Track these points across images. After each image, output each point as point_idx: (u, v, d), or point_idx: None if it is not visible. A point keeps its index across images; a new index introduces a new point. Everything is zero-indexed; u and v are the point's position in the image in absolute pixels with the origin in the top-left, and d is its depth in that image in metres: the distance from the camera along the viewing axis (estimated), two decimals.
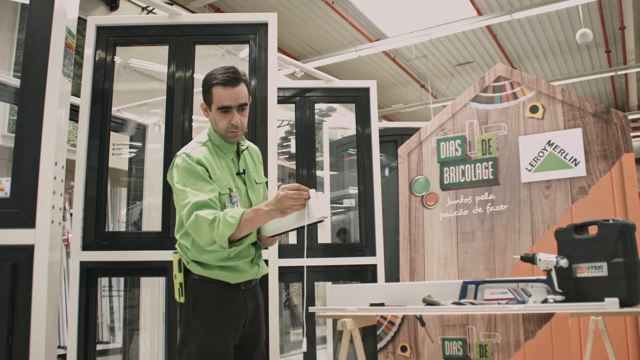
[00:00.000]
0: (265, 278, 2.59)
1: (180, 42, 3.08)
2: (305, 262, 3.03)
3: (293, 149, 4.19)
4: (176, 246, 2.05)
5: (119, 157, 4.67)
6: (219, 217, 1.83)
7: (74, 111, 2.87)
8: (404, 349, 3.09)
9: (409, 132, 4.62)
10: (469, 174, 3.13)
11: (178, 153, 2.02)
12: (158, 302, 4.24)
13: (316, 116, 4.22)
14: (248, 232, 1.88)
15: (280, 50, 7.92)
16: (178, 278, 2.00)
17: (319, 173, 4.75)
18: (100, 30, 3.06)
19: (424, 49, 10.28)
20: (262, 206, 1.87)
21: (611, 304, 1.98)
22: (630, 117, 12.53)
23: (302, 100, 4.07)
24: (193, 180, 1.92)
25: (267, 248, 2.19)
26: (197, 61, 3.07)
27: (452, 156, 3.19)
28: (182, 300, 1.99)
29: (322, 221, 1.90)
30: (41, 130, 2.28)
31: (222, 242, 1.83)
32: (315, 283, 4.11)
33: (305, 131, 4.03)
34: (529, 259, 2.25)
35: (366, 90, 4.10)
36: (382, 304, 2.48)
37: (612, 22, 9.32)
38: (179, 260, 2.00)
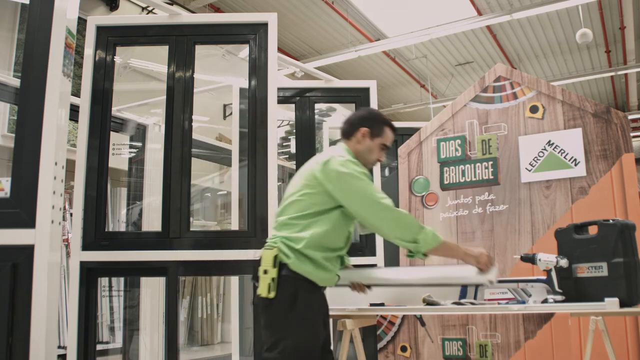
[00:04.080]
0: None
1: (180, 42, 3.08)
2: None
3: (293, 149, 4.18)
4: (272, 242, 2.08)
5: (119, 157, 4.67)
6: (426, 227, 2.04)
7: (74, 111, 2.86)
8: (404, 349, 3.09)
9: (409, 132, 4.61)
10: (469, 174, 3.13)
11: (341, 155, 2.13)
12: (158, 302, 4.24)
13: (316, 116, 4.22)
14: (434, 254, 2.07)
15: (280, 50, 7.91)
16: (270, 273, 2.02)
17: None
18: (100, 30, 3.06)
19: (424, 49, 10.27)
20: (460, 246, 2.12)
21: (611, 304, 1.98)
22: (630, 117, 12.52)
23: (302, 100, 4.07)
24: (371, 185, 2.10)
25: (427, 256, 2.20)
26: (197, 61, 3.06)
27: (452, 156, 3.19)
28: (271, 295, 2.01)
29: (486, 286, 2.16)
30: (41, 130, 2.27)
31: (424, 247, 2.01)
32: None
33: (305, 131, 4.02)
34: (529, 259, 2.25)
35: (366, 90, 4.09)
36: (382, 304, 2.48)
37: (612, 22, 9.32)
38: (275, 256, 2.04)
